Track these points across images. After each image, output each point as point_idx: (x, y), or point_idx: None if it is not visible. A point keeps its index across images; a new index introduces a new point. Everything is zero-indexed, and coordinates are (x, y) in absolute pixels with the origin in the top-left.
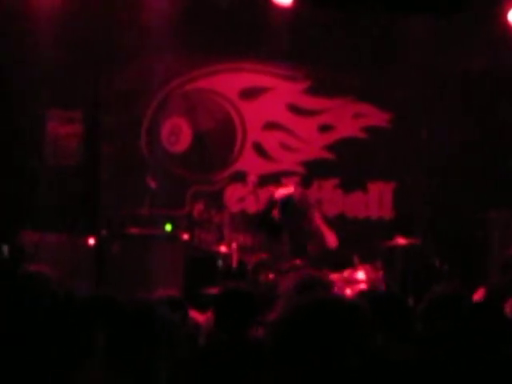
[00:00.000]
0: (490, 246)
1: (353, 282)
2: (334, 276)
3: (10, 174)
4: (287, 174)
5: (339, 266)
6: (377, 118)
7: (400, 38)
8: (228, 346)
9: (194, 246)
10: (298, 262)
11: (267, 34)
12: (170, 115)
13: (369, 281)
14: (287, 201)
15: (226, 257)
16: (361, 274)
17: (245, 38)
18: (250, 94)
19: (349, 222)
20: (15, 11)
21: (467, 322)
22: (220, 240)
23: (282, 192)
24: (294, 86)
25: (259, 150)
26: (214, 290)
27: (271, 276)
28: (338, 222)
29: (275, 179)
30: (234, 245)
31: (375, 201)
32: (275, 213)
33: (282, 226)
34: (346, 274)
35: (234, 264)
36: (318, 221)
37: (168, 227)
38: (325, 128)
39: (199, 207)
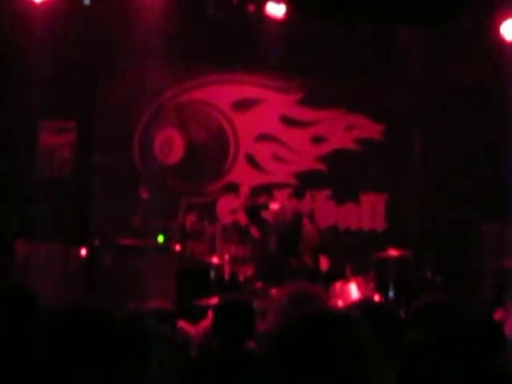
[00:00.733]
0: (483, 258)
1: (345, 293)
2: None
3: (3, 184)
4: (280, 185)
5: (331, 278)
6: (369, 129)
7: (392, 49)
8: (221, 357)
9: (187, 258)
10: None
11: (260, 46)
12: (162, 126)
13: (361, 293)
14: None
15: (218, 268)
16: (353, 286)
17: (238, 50)
18: (242, 105)
19: (341, 233)
20: (8, 22)
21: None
22: (212, 251)
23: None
24: (287, 98)
25: (252, 161)
26: (206, 302)
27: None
28: (331, 234)
29: (268, 191)
30: (226, 256)
31: (368, 212)
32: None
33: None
34: (337, 285)
35: (227, 275)
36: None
37: (160, 238)
38: (317, 139)
39: (191, 218)
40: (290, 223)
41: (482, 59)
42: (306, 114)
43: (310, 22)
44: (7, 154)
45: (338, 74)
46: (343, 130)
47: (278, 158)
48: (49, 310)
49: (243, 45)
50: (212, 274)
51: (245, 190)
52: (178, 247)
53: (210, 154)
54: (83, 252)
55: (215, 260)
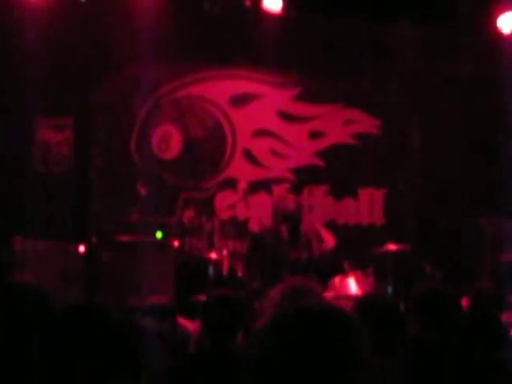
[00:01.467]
0: (481, 251)
1: (343, 288)
2: (325, 282)
3: (1, 182)
4: (277, 180)
5: (330, 273)
6: (367, 124)
7: (389, 44)
8: (213, 354)
9: (185, 253)
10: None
11: (257, 41)
12: (160, 122)
13: (360, 287)
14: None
15: (217, 264)
16: (351, 281)
17: (235, 45)
18: (240, 100)
19: (340, 228)
20: (3, 20)
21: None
22: (210, 247)
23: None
24: (284, 93)
25: (249, 156)
26: (204, 297)
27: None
28: (329, 229)
29: (265, 186)
30: (224, 251)
31: (366, 207)
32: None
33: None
34: (336, 280)
35: (225, 271)
36: (317, 223)
37: (158, 234)
38: (315, 135)
39: (190, 214)
40: (294, 212)
41: (479, 53)
42: (304, 110)
43: (306, 16)
44: (5, 150)
45: (335, 69)
46: (341, 124)
47: (275, 153)
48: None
49: (240, 40)
50: (210, 269)
51: (242, 185)
52: (176, 243)
53: (207, 150)
54: (81, 249)
55: (213, 255)
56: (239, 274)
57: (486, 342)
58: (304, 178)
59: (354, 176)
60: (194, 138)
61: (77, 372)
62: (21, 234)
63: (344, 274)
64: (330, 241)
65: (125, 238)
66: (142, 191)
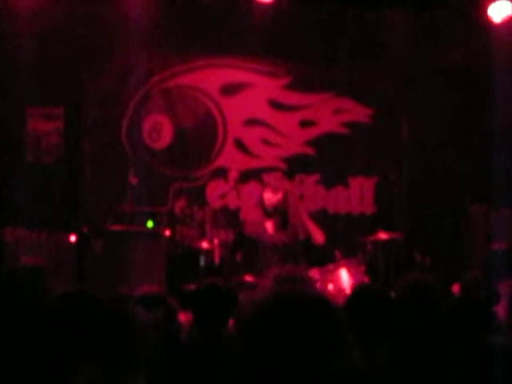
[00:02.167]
0: (472, 239)
1: (335, 277)
2: (316, 271)
3: None
4: (269, 169)
5: (322, 261)
6: (358, 113)
7: (380, 33)
8: (204, 342)
9: (176, 243)
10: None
11: (248, 30)
12: (150, 112)
13: (351, 276)
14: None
15: (208, 253)
16: (343, 271)
17: (225, 34)
18: (230, 89)
19: (331, 217)
20: None
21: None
22: (202, 236)
23: (272, 200)
24: (275, 82)
25: (240, 145)
26: (195, 286)
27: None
28: (320, 218)
29: (257, 175)
30: (215, 241)
31: (357, 196)
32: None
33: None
34: (328, 269)
35: (216, 260)
36: (304, 216)
37: (150, 224)
38: (306, 123)
39: (181, 203)
40: (279, 205)
41: (469, 42)
42: (294, 99)
43: (297, 6)
44: None
45: (326, 58)
46: (331, 113)
47: (266, 142)
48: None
49: (231, 29)
50: (202, 258)
51: (233, 174)
52: (167, 232)
53: (198, 139)
54: (73, 239)
55: (205, 245)
56: (230, 262)
57: (474, 328)
58: (295, 166)
59: (345, 165)
60: (184, 128)
61: (68, 359)
62: (12, 225)
63: (336, 262)
64: (318, 237)
65: (116, 228)
66: (134, 181)
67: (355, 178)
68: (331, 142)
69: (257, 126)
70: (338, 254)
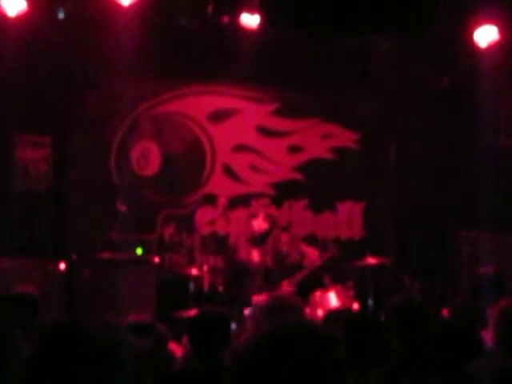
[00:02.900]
0: (460, 264)
1: (324, 302)
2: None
3: None
4: (257, 195)
5: (311, 287)
6: (345, 138)
7: (366, 58)
8: (201, 370)
9: (165, 270)
10: None
11: (234, 57)
12: (139, 139)
13: (340, 301)
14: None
15: (198, 279)
16: (332, 295)
17: (212, 61)
18: (218, 116)
19: (319, 242)
20: None
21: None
22: (191, 263)
23: (259, 229)
24: (262, 108)
25: (229, 172)
26: (186, 314)
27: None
28: (309, 243)
29: (245, 201)
30: (205, 267)
31: (345, 221)
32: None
33: None
34: (317, 294)
35: (206, 286)
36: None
37: (139, 251)
38: (294, 149)
39: (170, 230)
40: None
41: (455, 67)
42: (282, 124)
43: (283, 32)
44: None
45: (313, 83)
46: (319, 139)
47: (254, 168)
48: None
49: (218, 56)
50: (191, 285)
51: (222, 200)
52: (156, 259)
53: (187, 166)
54: (62, 266)
55: (194, 271)
56: (220, 289)
57: (457, 354)
58: (283, 192)
59: (333, 190)
60: (173, 154)
61: None
62: (0, 252)
63: (324, 288)
64: (313, 255)
65: (105, 256)
66: (122, 208)
67: (343, 203)
68: (319, 167)
69: (245, 152)
70: (327, 279)
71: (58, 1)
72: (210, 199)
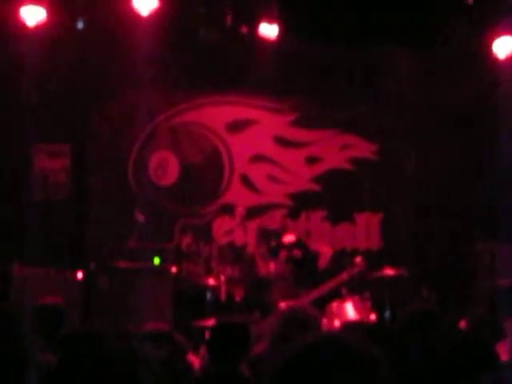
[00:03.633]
0: (478, 276)
1: (341, 313)
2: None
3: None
4: (275, 206)
5: (328, 298)
6: (363, 149)
7: (386, 69)
8: (219, 379)
9: (183, 279)
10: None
11: (253, 67)
12: (157, 149)
13: (357, 312)
14: None
15: (215, 289)
16: (349, 306)
17: (231, 71)
18: (236, 126)
19: (337, 253)
20: (1, 46)
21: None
22: (208, 272)
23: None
24: (281, 119)
25: (247, 182)
26: (203, 323)
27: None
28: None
29: (263, 211)
30: (222, 277)
31: (363, 232)
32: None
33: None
34: (334, 305)
35: (223, 297)
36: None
37: (156, 260)
38: (312, 160)
39: (187, 240)
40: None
41: (474, 78)
42: (300, 135)
43: (302, 43)
44: (2, 178)
45: (332, 94)
46: (337, 150)
47: (272, 179)
48: None
49: (236, 66)
50: (208, 295)
51: (240, 210)
52: (174, 269)
53: (204, 176)
54: (80, 276)
55: (211, 281)
56: (237, 299)
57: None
58: (301, 203)
59: (351, 201)
60: (191, 164)
61: None
62: (19, 261)
63: (341, 298)
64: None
65: (123, 265)
66: (140, 218)
67: (361, 214)
68: (337, 177)
69: (263, 163)
70: (344, 290)
71: (77, 11)
72: (228, 209)
